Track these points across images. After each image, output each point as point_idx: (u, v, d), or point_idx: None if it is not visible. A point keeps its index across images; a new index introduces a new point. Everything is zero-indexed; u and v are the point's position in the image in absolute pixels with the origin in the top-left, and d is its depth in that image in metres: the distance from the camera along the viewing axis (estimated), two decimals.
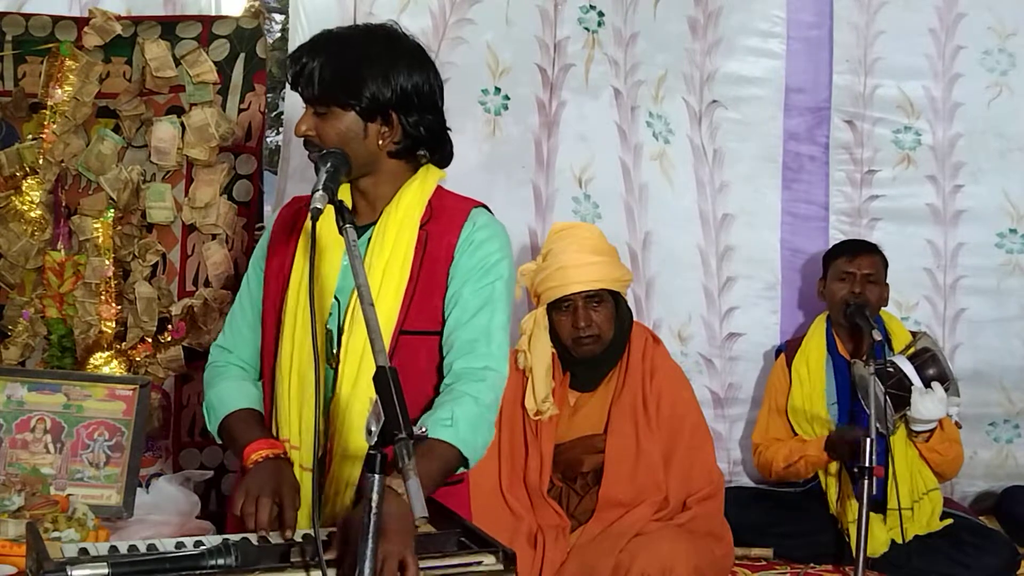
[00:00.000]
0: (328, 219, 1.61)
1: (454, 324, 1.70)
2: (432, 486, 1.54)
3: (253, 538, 1.53)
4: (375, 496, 1.23)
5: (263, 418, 1.78)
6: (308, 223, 1.58)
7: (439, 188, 1.78)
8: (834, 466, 2.91)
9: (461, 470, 1.66)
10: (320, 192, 1.51)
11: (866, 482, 2.47)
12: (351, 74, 1.66)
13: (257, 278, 1.85)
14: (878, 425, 2.57)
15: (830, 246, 3.20)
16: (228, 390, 1.80)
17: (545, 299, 2.56)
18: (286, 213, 1.86)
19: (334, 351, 1.69)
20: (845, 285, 2.97)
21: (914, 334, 2.97)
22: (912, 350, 2.83)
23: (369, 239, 1.72)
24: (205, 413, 1.83)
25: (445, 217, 1.74)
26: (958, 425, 2.93)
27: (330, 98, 1.66)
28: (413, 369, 1.67)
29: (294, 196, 1.94)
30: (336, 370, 1.69)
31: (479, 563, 1.46)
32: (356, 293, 1.62)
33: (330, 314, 1.71)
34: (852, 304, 2.92)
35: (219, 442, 1.84)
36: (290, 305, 1.74)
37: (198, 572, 1.37)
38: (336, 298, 1.71)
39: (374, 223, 1.73)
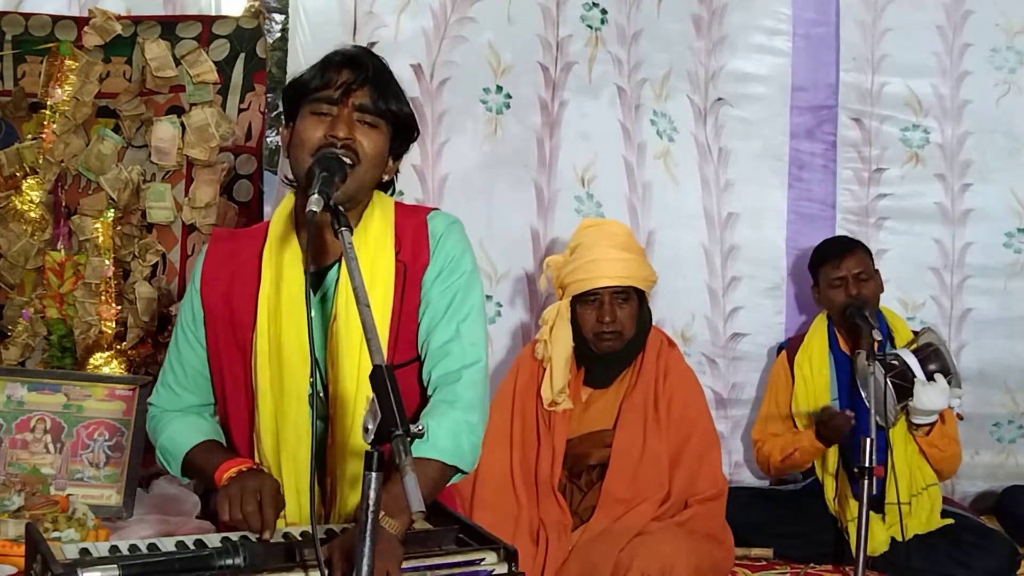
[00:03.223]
0: (293, 269, 1.61)
1: (426, 330, 1.68)
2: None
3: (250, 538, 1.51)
4: (372, 494, 1.21)
5: (223, 445, 1.75)
6: (303, 230, 1.55)
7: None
8: (832, 464, 2.91)
9: (459, 477, 1.63)
10: (316, 196, 1.45)
11: (866, 482, 2.45)
12: (403, 98, 1.67)
13: (189, 346, 1.75)
14: (878, 419, 2.56)
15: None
16: (178, 430, 1.76)
17: (571, 291, 2.57)
18: (214, 260, 1.74)
19: (322, 401, 1.64)
20: (840, 291, 2.96)
21: (916, 333, 2.96)
22: (916, 345, 2.83)
23: (338, 279, 1.65)
24: (162, 460, 1.78)
25: (408, 239, 1.70)
26: (960, 417, 2.91)
27: (388, 112, 1.63)
28: (407, 397, 1.63)
29: (207, 248, 1.78)
30: (328, 424, 1.65)
31: (481, 560, 1.44)
32: (331, 338, 1.62)
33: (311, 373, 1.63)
34: (851, 307, 2.91)
35: (185, 481, 1.82)
36: (261, 383, 1.66)
37: (208, 573, 1.36)
38: (315, 357, 1.63)
39: (339, 260, 1.65)
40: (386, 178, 1.72)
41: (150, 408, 1.85)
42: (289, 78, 1.74)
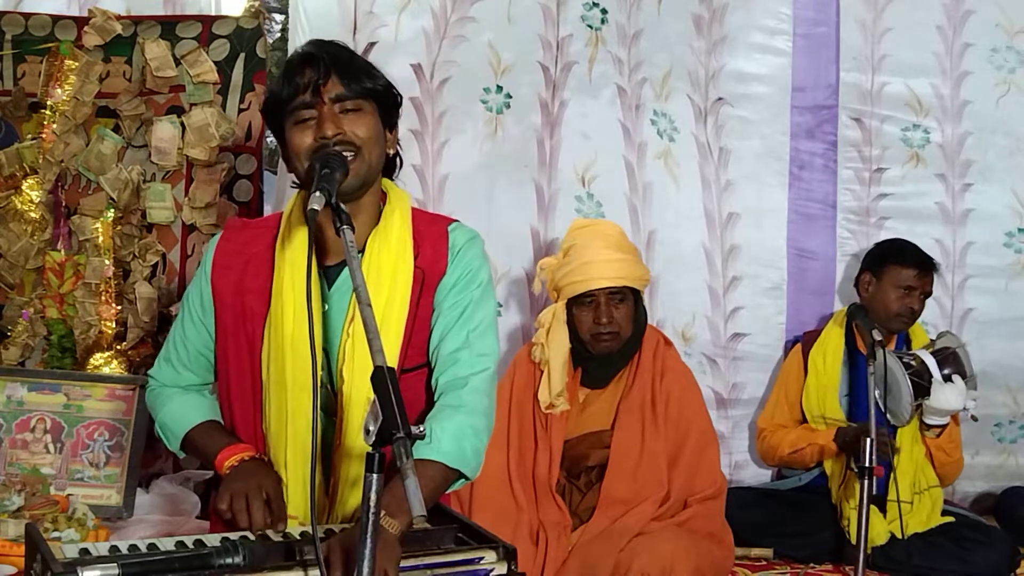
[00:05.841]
0: (298, 267, 1.60)
1: (437, 338, 1.67)
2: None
3: (250, 537, 1.51)
4: (373, 496, 1.21)
5: (224, 426, 1.75)
6: (306, 230, 1.54)
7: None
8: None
9: (462, 482, 1.62)
10: (317, 194, 1.44)
11: (866, 482, 2.46)
12: (373, 71, 1.66)
13: (195, 328, 1.76)
14: (880, 402, 2.57)
15: (877, 243, 3.14)
16: (179, 406, 1.78)
17: (567, 293, 2.56)
18: (226, 249, 1.74)
19: (329, 395, 1.64)
20: (907, 298, 2.95)
21: (932, 341, 2.96)
22: (935, 348, 2.85)
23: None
24: (161, 434, 1.80)
25: (428, 246, 1.70)
26: (974, 418, 2.91)
27: (365, 91, 1.62)
28: (413, 403, 1.64)
29: (220, 236, 1.78)
30: (336, 422, 1.64)
31: (480, 559, 1.44)
32: (346, 337, 1.61)
33: (321, 367, 1.63)
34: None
35: (181, 456, 1.82)
36: (274, 374, 1.64)
37: (207, 572, 1.36)
38: (324, 350, 1.63)
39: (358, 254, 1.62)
40: (391, 152, 1.71)
41: (150, 381, 1.85)
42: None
